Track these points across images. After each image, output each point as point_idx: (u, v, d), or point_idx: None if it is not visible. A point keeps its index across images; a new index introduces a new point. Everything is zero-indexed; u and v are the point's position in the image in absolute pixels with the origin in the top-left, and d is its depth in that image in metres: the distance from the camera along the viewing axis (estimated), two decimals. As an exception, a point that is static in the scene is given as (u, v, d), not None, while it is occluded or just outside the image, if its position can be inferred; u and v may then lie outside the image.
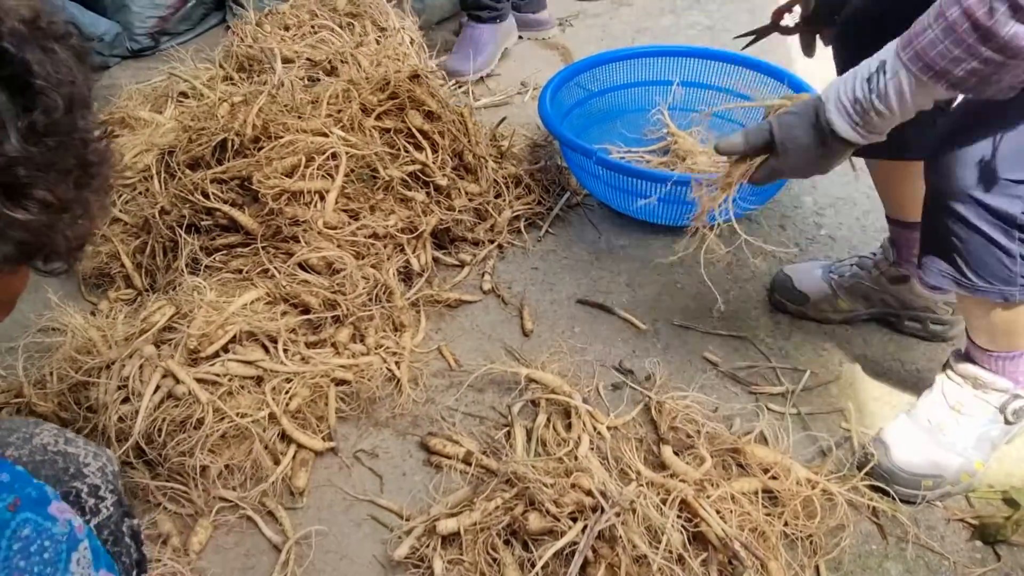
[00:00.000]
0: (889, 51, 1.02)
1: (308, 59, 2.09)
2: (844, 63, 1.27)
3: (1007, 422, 1.31)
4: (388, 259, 1.68)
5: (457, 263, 1.85)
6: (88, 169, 0.65)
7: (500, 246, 1.89)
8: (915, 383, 1.53)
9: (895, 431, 1.35)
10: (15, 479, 0.63)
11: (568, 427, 1.42)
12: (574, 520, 1.20)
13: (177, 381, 1.37)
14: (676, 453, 1.36)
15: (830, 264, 1.68)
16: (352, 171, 1.71)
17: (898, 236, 1.55)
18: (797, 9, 1.50)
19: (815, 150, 1.10)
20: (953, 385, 1.33)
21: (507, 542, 1.23)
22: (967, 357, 1.32)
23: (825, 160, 1.13)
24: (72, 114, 0.62)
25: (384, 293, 1.61)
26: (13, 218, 0.58)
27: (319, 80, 1.96)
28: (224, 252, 1.64)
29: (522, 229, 1.93)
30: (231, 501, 1.34)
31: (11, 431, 0.80)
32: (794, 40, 1.54)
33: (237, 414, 1.36)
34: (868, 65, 1.04)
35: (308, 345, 1.52)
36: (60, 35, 0.63)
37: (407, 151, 1.81)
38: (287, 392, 1.43)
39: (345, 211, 1.68)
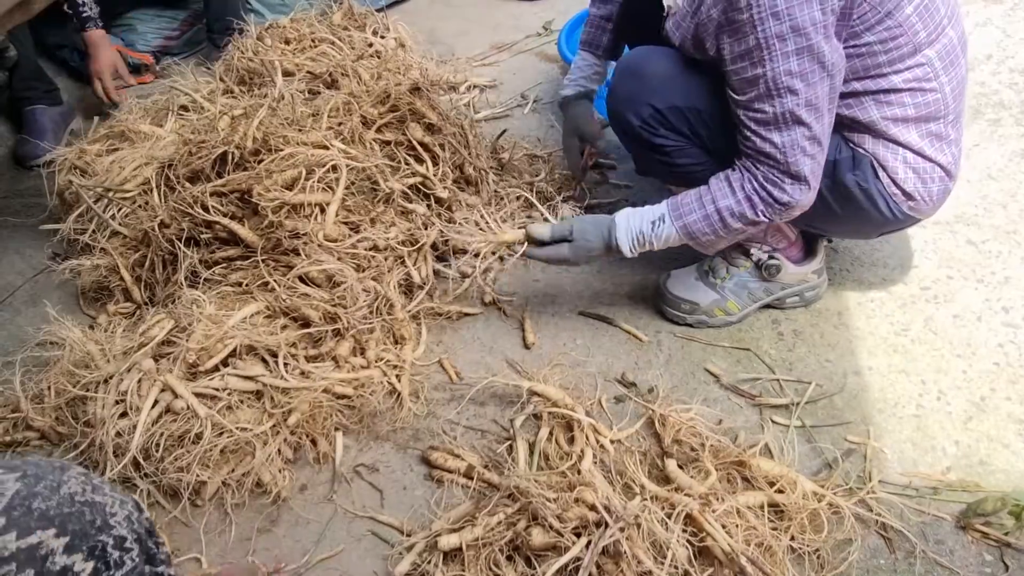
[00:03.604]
0: (665, 210, 1.45)
1: (309, 72, 2.09)
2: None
3: (763, 278, 1.67)
4: (389, 272, 1.67)
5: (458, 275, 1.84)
6: None
7: (501, 258, 1.88)
8: (920, 393, 1.52)
9: (681, 270, 1.73)
10: None
11: (571, 441, 1.40)
12: (578, 535, 1.19)
13: (175, 395, 1.36)
14: (680, 467, 1.35)
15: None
16: (352, 184, 1.70)
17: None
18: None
19: (598, 253, 1.51)
20: (732, 249, 1.69)
21: (510, 558, 1.21)
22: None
23: (597, 259, 1.54)
24: None
25: (385, 306, 1.60)
26: None
27: (320, 93, 1.96)
28: (224, 265, 1.64)
29: (523, 241, 1.92)
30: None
31: (38, 478, 0.79)
32: None
33: (236, 428, 1.35)
34: (653, 212, 1.47)
35: (308, 359, 1.51)
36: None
37: (408, 163, 1.81)
38: (286, 407, 1.41)
39: (345, 223, 1.68)
